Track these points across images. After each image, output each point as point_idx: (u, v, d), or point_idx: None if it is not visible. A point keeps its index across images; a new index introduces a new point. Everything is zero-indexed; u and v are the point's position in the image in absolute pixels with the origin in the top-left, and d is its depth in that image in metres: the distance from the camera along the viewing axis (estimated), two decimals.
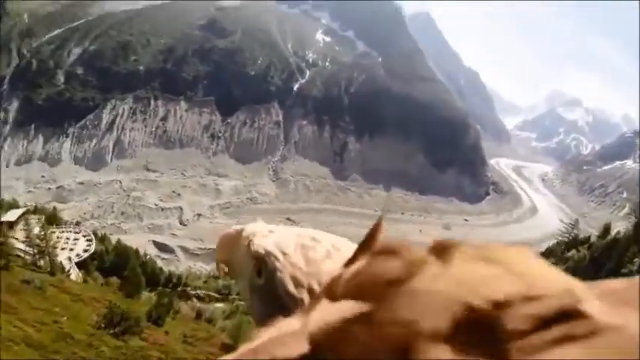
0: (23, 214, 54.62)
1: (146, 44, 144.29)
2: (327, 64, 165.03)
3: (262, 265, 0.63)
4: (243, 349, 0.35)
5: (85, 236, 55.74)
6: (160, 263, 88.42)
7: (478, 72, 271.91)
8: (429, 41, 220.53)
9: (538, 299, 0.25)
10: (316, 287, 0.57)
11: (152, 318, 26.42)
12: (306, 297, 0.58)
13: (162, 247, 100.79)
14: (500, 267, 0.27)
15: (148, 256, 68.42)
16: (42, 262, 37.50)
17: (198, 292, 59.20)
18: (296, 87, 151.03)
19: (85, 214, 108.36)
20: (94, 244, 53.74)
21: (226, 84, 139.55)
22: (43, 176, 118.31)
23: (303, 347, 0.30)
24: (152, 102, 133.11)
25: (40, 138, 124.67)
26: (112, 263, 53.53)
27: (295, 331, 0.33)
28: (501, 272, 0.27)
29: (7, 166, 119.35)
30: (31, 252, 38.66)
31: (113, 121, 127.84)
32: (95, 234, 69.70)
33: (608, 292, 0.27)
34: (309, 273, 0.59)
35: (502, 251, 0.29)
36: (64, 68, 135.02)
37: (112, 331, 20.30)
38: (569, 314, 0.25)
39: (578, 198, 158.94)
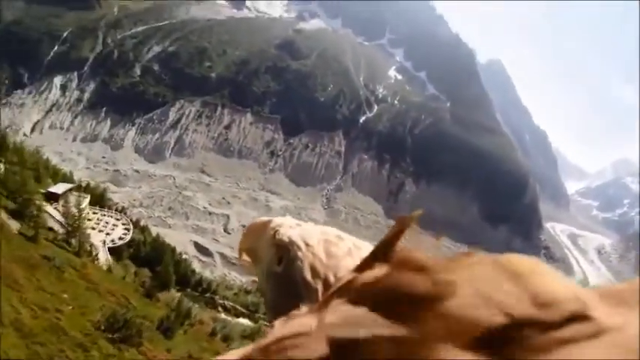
0: (70, 189, 60.67)
1: (222, 54, 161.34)
2: (396, 101, 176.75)
3: (284, 254, 0.72)
4: (254, 346, 0.37)
5: (123, 224, 60.44)
6: (196, 264, 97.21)
7: (546, 130, 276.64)
8: (499, 91, 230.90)
9: (551, 307, 0.29)
10: (332, 280, 0.65)
11: (162, 327, 26.95)
12: (320, 287, 0.65)
13: (201, 249, 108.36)
14: (520, 279, 0.31)
15: (183, 257, 73.56)
16: (73, 242, 39.13)
17: (226, 302, 62.76)
18: (362, 119, 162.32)
19: (134, 200, 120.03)
20: (131, 234, 58.34)
21: (294, 105, 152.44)
22: (103, 157, 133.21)
23: (321, 350, 0.32)
24: (219, 109, 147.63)
25: (108, 122, 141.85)
26: (147, 255, 57.94)
27: (310, 332, 0.34)
28: (522, 285, 0.30)
29: (73, 141, 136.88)
30: (65, 228, 40.51)
31: (179, 120, 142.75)
32: (137, 223, 76.89)
33: (610, 294, 0.31)
34: (328, 265, 0.66)
35: (517, 261, 0.32)
36: (142, 62, 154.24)
37: (110, 336, 20.00)
38: (576, 318, 0.28)
39: (634, 277, 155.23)
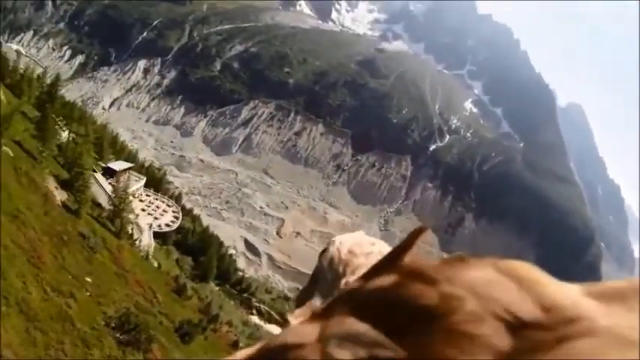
0: (129, 168, 60.20)
1: (302, 62, 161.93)
2: (469, 134, 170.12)
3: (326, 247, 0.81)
4: (259, 348, 0.39)
5: (174, 212, 59.66)
6: (242, 261, 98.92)
7: (620, 185, 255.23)
8: (576, 137, 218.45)
9: (554, 310, 0.30)
10: (340, 272, 0.71)
11: (181, 330, 25.59)
12: (331, 277, 0.71)
13: (251, 248, 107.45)
14: (523, 283, 0.32)
15: (231, 252, 72.74)
16: (117, 222, 38.56)
17: (262, 306, 61.95)
18: (432, 147, 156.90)
19: (194, 188, 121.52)
20: (179, 222, 57.47)
21: (366, 122, 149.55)
22: (172, 142, 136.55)
23: None
24: (292, 115, 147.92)
25: (182, 109, 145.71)
26: (194, 244, 57.77)
27: (309, 345, 0.35)
28: (526, 289, 0.32)
29: (146, 121, 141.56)
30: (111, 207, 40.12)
31: (250, 119, 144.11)
32: (191, 211, 77.59)
33: (608, 292, 0.32)
34: (344, 259, 0.73)
35: (517, 266, 0.34)
36: (223, 59, 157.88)
37: (118, 335, 19.53)
38: (574, 318, 0.29)
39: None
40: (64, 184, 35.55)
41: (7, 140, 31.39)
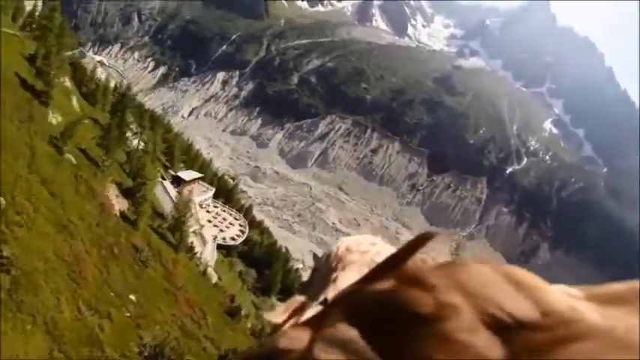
0: (198, 178, 60.41)
1: (379, 78, 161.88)
2: (548, 157, 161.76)
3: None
4: (252, 351, 0.43)
5: (240, 226, 58.65)
6: (308, 276, 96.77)
7: None
8: None
9: (552, 313, 0.30)
10: (332, 267, 0.72)
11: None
12: (323, 272, 0.73)
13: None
14: (522, 287, 0.32)
15: (296, 267, 70.82)
16: (177, 234, 37.30)
17: None
18: (509, 171, 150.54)
19: (267, 199, 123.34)
20: (244, 237, 56.34)
21: (443, 142, 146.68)
22: (247, 152, 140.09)
23: None
24: (368, 132, 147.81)
25: (259, 121, 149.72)
26: (260, 257, 56.88)
27: (299, 351, 0.36)
28: (525, 292, 0.32)
29: (223, 131, 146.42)
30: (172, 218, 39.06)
31: (327, 134, 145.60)
32: (260, 224, 77.09)
33: (608, 295, 0.32)
34: (339, 256, 0.74)
35: (517, 270, 0.34)
36: (301, 73, 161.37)
37: None
38: (569, 320, 0.30)
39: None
40: (126, 193, 35.38)
41: (71, 148, 31.66)
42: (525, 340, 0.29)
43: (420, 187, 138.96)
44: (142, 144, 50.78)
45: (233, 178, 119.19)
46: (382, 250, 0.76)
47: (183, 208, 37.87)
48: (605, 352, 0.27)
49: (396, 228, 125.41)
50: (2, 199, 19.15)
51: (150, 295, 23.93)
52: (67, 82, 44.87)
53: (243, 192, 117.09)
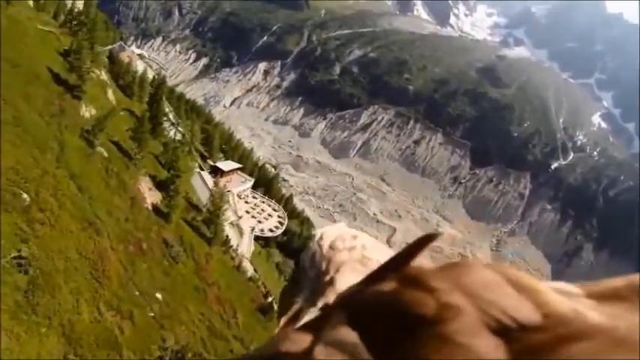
0: (237, 169, 59.57)
1: (421, 68, 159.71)
2: (595, 153, 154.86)
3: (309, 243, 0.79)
4: (253, 354, 0.41)
5: (279, 217, 57.82)
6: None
7: None
8: None
9: (553, 315, 0.30)
10: (323, 269, 0.69)
11: None
12: (313, 275, 0.69)
13: None
14: (522, 288, 0.33)
15: None
16: (212, 227, 36.03)
17: None
18: (554, 166, 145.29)
19: (308, 188, 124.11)
20: (282, 229, 55.46)
21: (486, 135, 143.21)
22: (290, 141, 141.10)
23: None
24: (411, 123, 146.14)
25: (302, 110, 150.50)
26: (299, 247, 53.90)
27: (300, 352, 0.36)
28: (525, 294, 0.32)
29: (265, 120, 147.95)
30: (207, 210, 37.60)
31: (369, 124, 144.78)
32: (299, 214, 76.95)
33: (607, 292, 0.32)
34: (325, 256, 0.71)
35: (516, 272, 0.34)
36: (342, 63, 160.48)
37: None
38: (569, 320, 0.30)
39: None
40: (160, 185, 34.73)
41: (104, 141, 31.42)
42: (527, 341, 0.29)
43: (462, 180, 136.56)
44: (179, 135, 50.44)
45: (275, 167, 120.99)
46: (366, 242, 0.74)
47: (219, 199, 36.75)
48: (606, 352, 0.27)
49: (437, 221, 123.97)
50: (26, 195, 18.86)
51: (178, 293, 23.42)
52: (103, 75, 44.95)
53: (285, 181, 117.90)
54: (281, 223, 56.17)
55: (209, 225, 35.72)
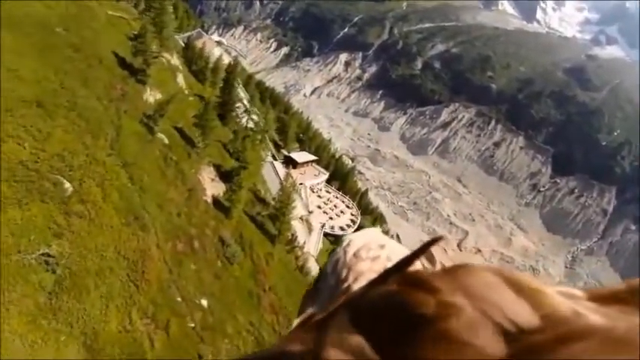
0: (312, 161, 57.42)
1: (505, 66, 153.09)
2: None
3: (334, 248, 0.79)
4: (258, 355, 0.41)
5: (352, 214, 55.29)
6: (416, 266, 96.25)
7: None
8: None
9: (552, 317, 0.31)
10: (343, 277, 0.68)
11: None
12: (332, 282, 0.69)
13: (427, 255, 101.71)
14: (522, 290, 0.33)
15: None
16: (277, 223, 32.92)
17: None
18: None
19: (384, 183, 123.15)
20: (355, 227, 51.89)
21: (571, 141, 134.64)
22: (369, 134, 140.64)
23: None
24: (492, 123, 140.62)
25: (382, 104, 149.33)
26: None
27: (304, 352, 0.36)
28: (525, 296, 0.33)
29: (345, 111, 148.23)
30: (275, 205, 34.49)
31: (449, 122, 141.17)
32: (373, 211, 75.25)
33: (609, 295, 0.33)
34: (347, 264, 0.70)
35: (517, 275, 0.35)
36: (424, 58, 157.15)
37: None
38: (568, 322, 0.30)
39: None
40: (224, 176, 32.21)
41: (167, 127, 29.74)
42: (526, 341, 0.29)
43: (542, 189, 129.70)
44: (252, 123, 48.32)
45: (352, 159, 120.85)
46: (393, 253, 0.74)
47: (289, 193, 33.88)
48: (605, 352, 0.27)
49: (510, 229, 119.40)
50: (69, 184, 17.62)
51: (227, 299, 21.59)
52: (175, 60, 43.32)
53: (361, 174, 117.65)
54: (353, 222, 53.34)
55: (275, 221, 32.67)
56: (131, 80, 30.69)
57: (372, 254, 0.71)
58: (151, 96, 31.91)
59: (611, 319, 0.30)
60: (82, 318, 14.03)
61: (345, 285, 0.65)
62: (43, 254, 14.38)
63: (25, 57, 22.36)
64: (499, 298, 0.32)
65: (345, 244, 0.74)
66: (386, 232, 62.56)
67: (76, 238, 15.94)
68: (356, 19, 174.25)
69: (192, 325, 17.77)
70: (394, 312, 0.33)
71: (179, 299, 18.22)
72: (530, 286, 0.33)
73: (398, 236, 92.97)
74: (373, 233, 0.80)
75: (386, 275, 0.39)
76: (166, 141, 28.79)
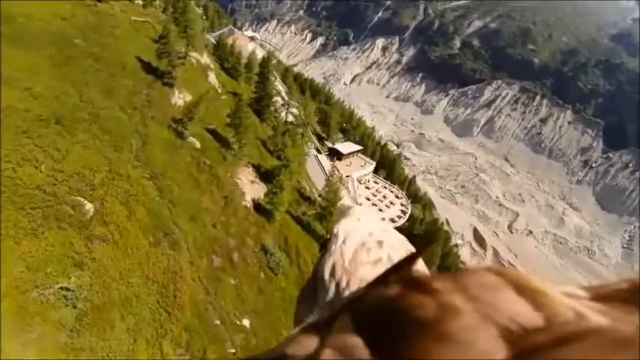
0: (357, 151, 55.56)
1: (547, 38, 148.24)
2: None
3: (326, 244, 0.74)
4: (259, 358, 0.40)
5: (402, 205, 52.63)
6: (466, 251, 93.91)
7: None
8: None
9: (554, 317, 0.31)
10: (344, 284, 0.65)
11: None
12: (333, 289, 0.65)
13: (478, 238, 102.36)
14: (524, 291, 0.33)
15: (456, 243, 65.27)
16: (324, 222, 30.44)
17: None
18: None
19: (431, 167, 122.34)
20: (406, 218, 50.08)
21: (622, 113, 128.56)
22: (412, 119, 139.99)
23: None
24: (537, 99, 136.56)
25: (423, 87, 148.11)
26: (420, 234, 51.02)
27: (306, 355, 0.36)
28: (523, 296, 0.32)
29: (386, 97, 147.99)
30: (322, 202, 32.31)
31: (493, 101, 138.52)
32: (423, 197, 73.27)
33: (612, 294, 0.32)
34: (347, 269, 0.66)
35: (519, 275, 0.34)
36: (462, 36, 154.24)
37: None
38: (570, 322, 0.30)
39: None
40: (265, 176, 29.81)
41: (198, 130, 28.05)
42: (526, 341, 0.29)
43: (594, 165, 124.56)
44: (291, 116, 46.02)
45: (397, 145, 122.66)
46: (393, 250, 0.71)
47: (335, 188, 31.98)
48: (607, 351, 0.27)
49: (562, 209, 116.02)
50: (90, 205, 16.49)
51: (272, 316, 19.66)
52: (205, 59, 41.52)
53: (407, 159, 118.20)
54: (404, 212, 51.01)
55: (322, 220, 30.28)
56: (157, 84, 29.54)
57: (373, 256, 0.68)
58: (180, 98, 30.72)
59: (614, 319, 0.30)
60: (108, 356, 12.94)
61: (347, 292, 0.64)
62: (62, 288, 13.44)
63: (40, 74, 21.61)
64: (500, 298, 0.32)
65: (339, 240, 0.71)
66: (435, 220, 59.99)
67: (97, 266, 14.86)
68: (388, 2, 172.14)
69: (233, 350, 15.95)
70: (394, 314, 0.34)
71: (217, 322, 16.64)
72: (531, 286, 0.33)
73: (447, 221, 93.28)
74: (367, 221, 0.76)
75: (386, 276, 0.39)
76: (198, 145, 27.19)
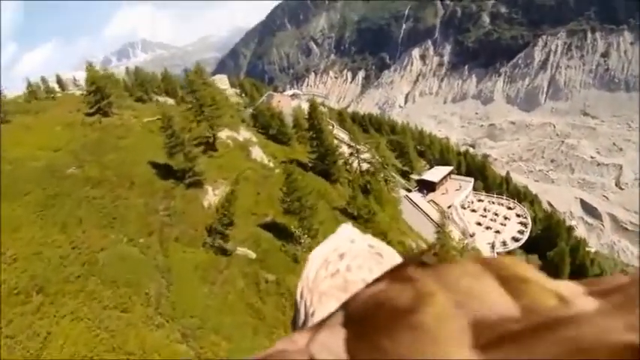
0: (449, 173, 49.64)
1: None
2: None
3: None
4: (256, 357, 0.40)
5: (518, 215, 45.29)
6: (582, 228, 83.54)
7: None
8: None
9: (536, 308, 0.30)
10: (309, 303, 0.66)
11: None
12: (302, 311, 0.66)
13: (588, 209, 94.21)
14: (502, 280, 0.32)
15: (579, 236, 54.87)
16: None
17: None
18: None
19: (513, 154, 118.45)
20: (529, 228, 42.88)
21: None
22: (476, 113, 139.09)
23: None
24: (589, 35, 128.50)
25: (474, 77, 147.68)
26: (537, 236, 43.75)
27: (295, 350, 0.36)
28: (504, 286, 0.32)
29: (444, 103, 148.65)
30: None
31: (546, 59, 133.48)
32: (524, 196, 61.41)
33: (610, 289, 0.31)
34: (310, 289, 0.68)
35: (505, 264, 0.34)
36: (488, 10, 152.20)
37: None
38: (549, 310, 0.30)
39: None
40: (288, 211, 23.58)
41: (249, 229, 23.31)
42: (497, 330, 0.29)
43: None
44: (365, 164, 41.57)
45: (472, 146, 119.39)
46: (354, 258, 0.71)
47: (444, 230, 29.41)
48: (588, 336, 0.27)
49: None
50: None
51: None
52: (243, 134, 36.61)
53: (487, 156, 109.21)
54: (524, 224, 43.53)
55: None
56: (179, 189, 24.35)
57: (331, 269, 0.69)
58: (216, 196, 24.84)
59: (603, 310, 0.29)
60: None
61: (312, 310, 0.65)
62: None
63: (21, 229, 18.23)
64: (477, 288, 0.32)
65: (307, 265, 0.73)
66: (550, 215, 53.74)
67: None
68: (407, 10, 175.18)
69: None
70: (377, 306, 0.34)
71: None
72: (515, 274, 0.33)
73: (550, 204, 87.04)
74: (336, 239, 0.77)
75: (383, 275, 0.39)
76: (252, 255, 21.05)
